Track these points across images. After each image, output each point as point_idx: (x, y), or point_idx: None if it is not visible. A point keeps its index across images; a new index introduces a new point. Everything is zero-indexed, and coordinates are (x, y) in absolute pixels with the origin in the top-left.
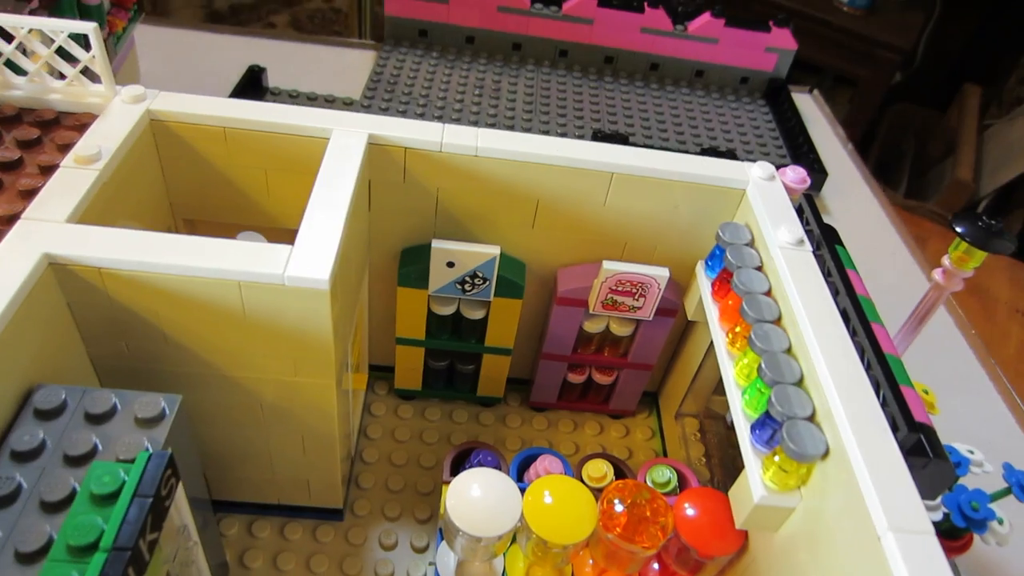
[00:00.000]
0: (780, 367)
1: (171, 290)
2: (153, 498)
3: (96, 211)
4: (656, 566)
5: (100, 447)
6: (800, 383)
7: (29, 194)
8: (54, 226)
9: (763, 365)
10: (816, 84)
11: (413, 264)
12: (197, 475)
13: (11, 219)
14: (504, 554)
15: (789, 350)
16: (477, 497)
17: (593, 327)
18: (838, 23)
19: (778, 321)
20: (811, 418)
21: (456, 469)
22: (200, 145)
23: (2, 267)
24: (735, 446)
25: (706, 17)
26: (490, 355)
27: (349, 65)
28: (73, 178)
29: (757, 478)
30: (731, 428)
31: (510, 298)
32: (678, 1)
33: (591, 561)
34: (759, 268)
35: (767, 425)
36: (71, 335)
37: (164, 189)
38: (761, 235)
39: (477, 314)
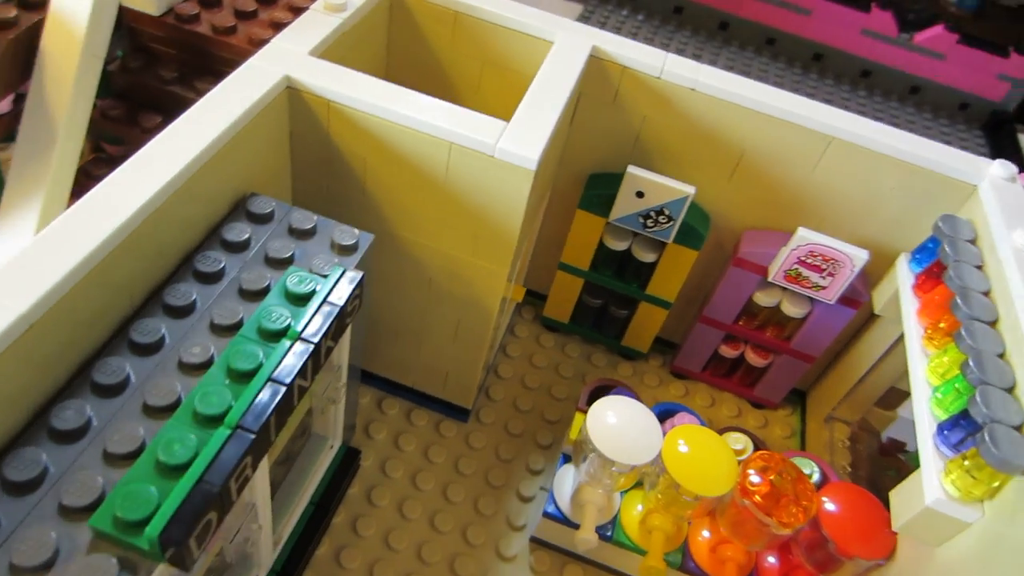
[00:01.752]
0: (990, 368)
1: (386, 138)
2: (340, 309)
3: (332, 55)
4: (772, 560)
5: (297, 257)
6: (1011, 390)
7: (278, 26)
8: (297, 56)
9: (970, 363)
10: None
11: (599, 189)
12: (362, 324)
13: (261, 42)
14: (622, 494)
15: (1003, 355)
16: (618, 424)
17: (764, 299)
18: None
19: (994, 324)
20: (1020, 429)
21: (592, 402)
22: (428, 24)
23: (247, 80)
24: (889, 467)
25: (938, 29)
26: (648, 304)
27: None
28: (319, 20)
29: (934, 479)
30: (886, 446)
31: (687, 247)
32: (909, 7)
33: (705, 534)
34: (979, 268)
35: (960, 427)
36: (284, 163)
37: (385, 57)
38: (989, 235)
39: (648, 256)
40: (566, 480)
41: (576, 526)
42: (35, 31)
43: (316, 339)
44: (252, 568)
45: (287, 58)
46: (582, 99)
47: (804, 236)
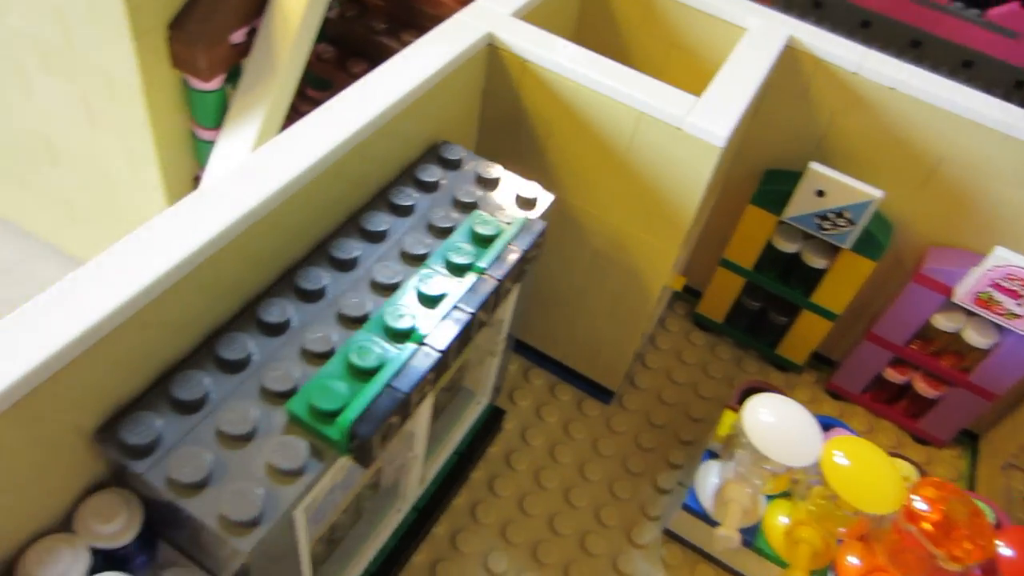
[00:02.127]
0: None
1: (575, 102)
2: (522, 254)
3: (531, 19)
4: None
5: (481, 204)
6: None
7: None
8: (500, 15)
9: None
10: None
11: (775, 185)
12: (528, 286)
13: (466, 1)
14: (767, 500)
15: None
16: (776, 422)
17: (945, 323)
18: None
19: None
20: None
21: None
22: (619, 5)
23: (451, 34)
24: None
25: None
26: (811, 314)
27: None
28: None
29: None
30: None
31: (864, 256)
32: None
33: (855, 560)
34: None
35: None
36: (473, 117)
37: (575, 31)
38: None
39: (819, 262)
40: (709, 476)
41: (715, 524)
42: None
43: (499, 276)
44: (397, 500)
45: (490, 17)
46: (770, 90)
47: (1003, 256)
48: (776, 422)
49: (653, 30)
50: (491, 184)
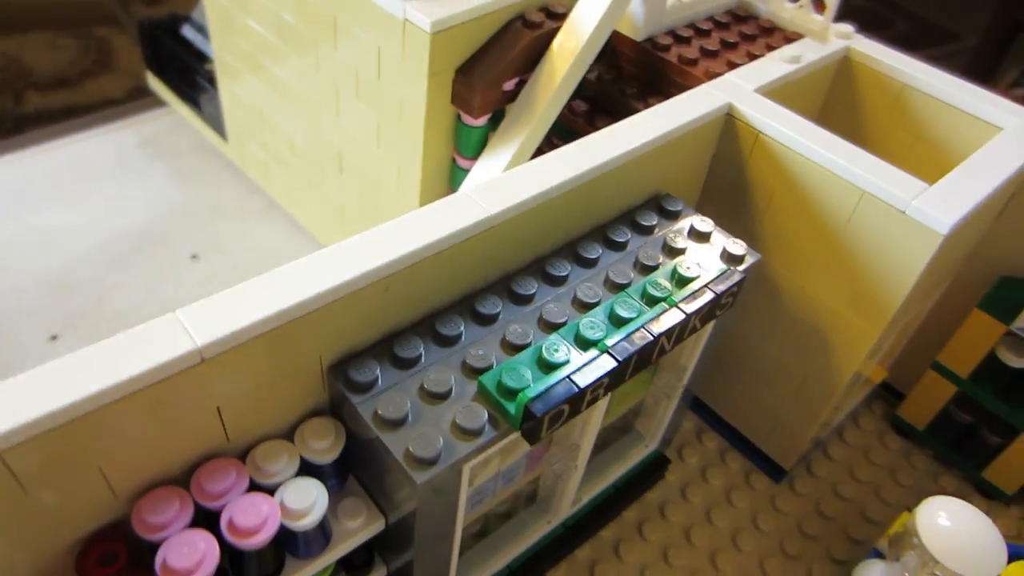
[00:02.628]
0: None
1: (799, 173)
2: (716, 297)
3: (773, 97)
4: None
5: (689, 252)
6: None
7: (734, 66)
8: (743, 90)
9: None
10: None
11: (1009, 292)
12: (715, 342)
13: (715, 76)
14: None
15: None
16: (955, 528)
17: None
18: None
19: None
20: None
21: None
22: (869, 90)
23: (693, 100)
24: None
25: None
26: None
27: None
28: (771, 66)
29: None
30: None
31: None
32: None
33: None
34: None
35: None
36: (698, 178)
37: (817, 113)
38: None
39: None
40: (870, 574)
41: None
42: (550, 36)
43: (688, 311)
44: (549, 511)
45: (733, 89)
46: (1020, 194)
47: None
48: (955, 528)
49: (899, 120)
50: (702, 237)
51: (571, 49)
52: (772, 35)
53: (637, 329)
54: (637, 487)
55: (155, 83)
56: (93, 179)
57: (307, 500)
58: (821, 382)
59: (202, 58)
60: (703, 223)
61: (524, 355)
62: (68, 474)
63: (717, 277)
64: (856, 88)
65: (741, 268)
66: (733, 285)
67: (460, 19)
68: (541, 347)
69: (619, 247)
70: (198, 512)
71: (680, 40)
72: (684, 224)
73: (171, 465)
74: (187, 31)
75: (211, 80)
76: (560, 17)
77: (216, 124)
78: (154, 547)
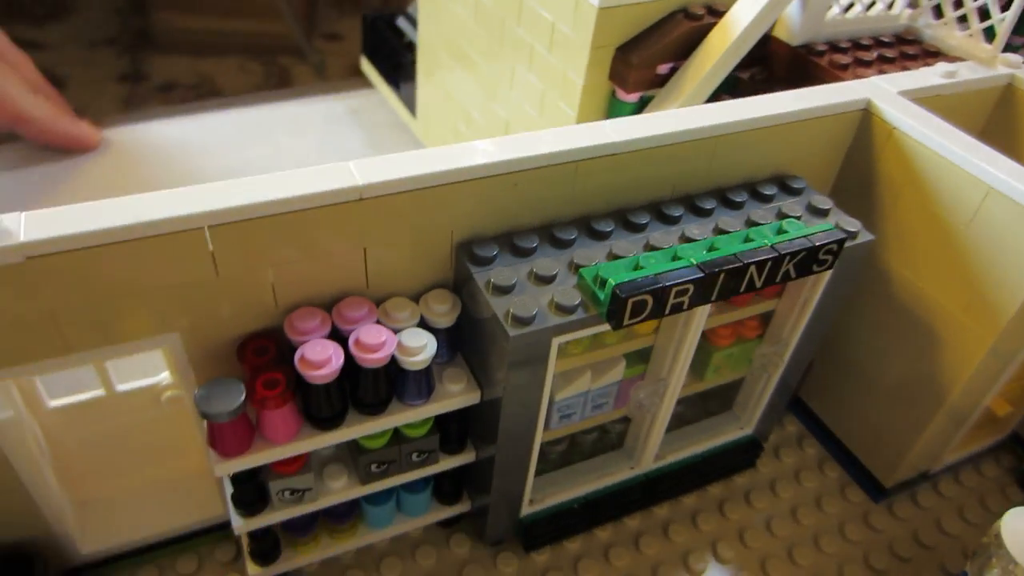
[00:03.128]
0: None
1: (927, 168)
2: (810, 248)
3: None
4: None
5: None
6: None
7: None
8: (886, 91)
9: None
10: None
11: None
12: (822, 325)
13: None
14: None
15: None
16: None
17: None
18: None
19: None
20: None
21: None
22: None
23: (832, 90)
24: None
25: None
26: None
27: None
28: (923, 76)
29: None
30: None
31: None
32: None
33: None
34: None
35: None
36: (830, 171)
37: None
38: None
39: None
40: None
41: None
42: (707, 29)
43: (781, 251)
44: (633, 458)
45: (876, 90)
46: None
47: None
48: None
49: None
50: (819, 212)
51: (721, 43)
52: (935, 58)
53: (729, 256)
54: (725, 467)
55: (367, 66)
56: (301, 133)
57: (420, 342)
58: (928, 390)
59: (409, 45)
60: (823, 200)
61: (623, 261)
62: (249, 274)
63: (818, 232)
64: (1019, 118)
65: (852, 243)
66: (833, 242)
67: (627, 0)
68: (639, 257)
69: (734, 206)
70: (333, 333)
71: (836, 49)
72: (802, 199)
73: (320, 293)
74: (401, 22)
75: (412, 64)
76: (720, 15)
77: (409, 103)
78: (295, 349)
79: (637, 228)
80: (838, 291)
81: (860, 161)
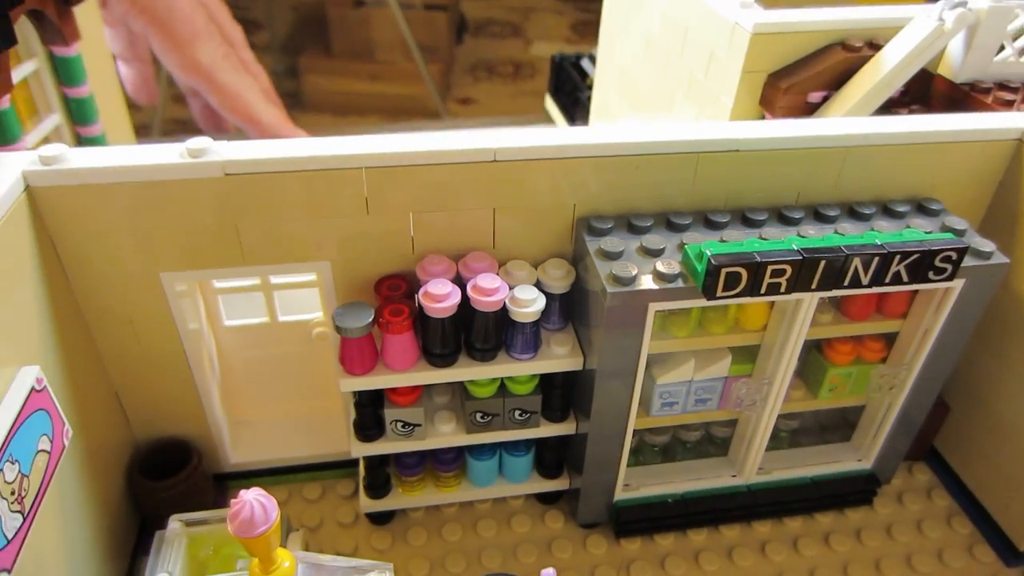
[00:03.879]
0: None
1: None
2: (927, 250)
3: None
4: None
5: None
6: None
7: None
8: None
9: None
10: None
11: None
12: (952, 347)
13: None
14: None
15: None
16: None
17: None
18: None
19: None
20: None
21: None
22: None
23: (983, 120)
24: None
25: None
26: None
27: None
28: None
29: None
30: None
31: None
32: None
33: None
34: None
35: None
36: (980, 203)
37: None
38: None
39: None
40: None
41: None
42: (862, 62)
43: (890, 249)
44: (736, 464)
45: None
46: None
47: None
48: None
49: None
50: (952, 232)
51: (873, 76)
52: None
53: (835, 247)
54: (836, 498)
55: (549, 103)
56: None
57: (531, 295)
58: None
59: (589, 84)
60: (958, 221)
61: (730, 243)
62: (393, 217)
63: (936, 238)
64: None
65: (979, 263)
66: (951, 249)
67: (781, 28)
68: (746, 241)
69: (860, 217)
70: (457, 281)
71: (1005, 88)
72: (937, 221)
73: (452, 246)
74: (584, 62)
75: (588, 100)
76: (879, 48)
77: None
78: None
79: (753, 223)
80: (966, 314)
81: (1011, 195)
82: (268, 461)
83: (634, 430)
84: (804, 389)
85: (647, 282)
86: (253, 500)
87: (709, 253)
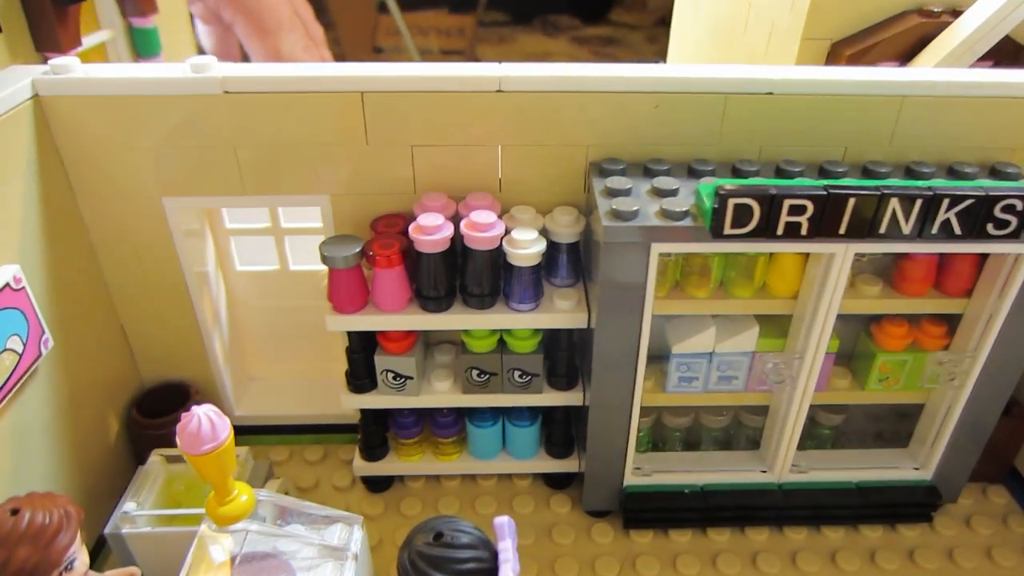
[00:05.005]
0: None
1: None
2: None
3: None
4: None
5: None
6: None
7: None
8: None
9: None
10: None
11: None
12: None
13: None
14: None
15: None
16: None
17: None
18: None
19: None
20: None
21: None
22: None
23: None
24: None
25: None
26: None
27: None
28: None
29: None
30: None
31: None
32: None
33: None
34: None
35: None
36: None
37: None
38: None
39: None
40: None
41: None
42: (940, 28)
43: (937, 191)
44: (766, 458)
45: None
46: None
47: None
48: None
49: None
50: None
51: (948, 44)
52: None
53: (872, 187)
54: (887, 510)
55: None
56: None
57: (529, 237)
58: None
59: None
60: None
61: (746, 180)
62: (393, 148)
63: (999, 185)
64: None
65: None
66: (1015, 196)
67: None
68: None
69: (917, 175)
70: (456, 220)
71: None
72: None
73: (456, 186)
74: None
75: None
76: (954, 14)
77: None
78: None
79: (788, 175)
80: None
81: None
82: (272, 417)
83: (651, 408)
84: (850, 378)
85: (650, 219)
86: (203, 414)
87: (717, 184)
